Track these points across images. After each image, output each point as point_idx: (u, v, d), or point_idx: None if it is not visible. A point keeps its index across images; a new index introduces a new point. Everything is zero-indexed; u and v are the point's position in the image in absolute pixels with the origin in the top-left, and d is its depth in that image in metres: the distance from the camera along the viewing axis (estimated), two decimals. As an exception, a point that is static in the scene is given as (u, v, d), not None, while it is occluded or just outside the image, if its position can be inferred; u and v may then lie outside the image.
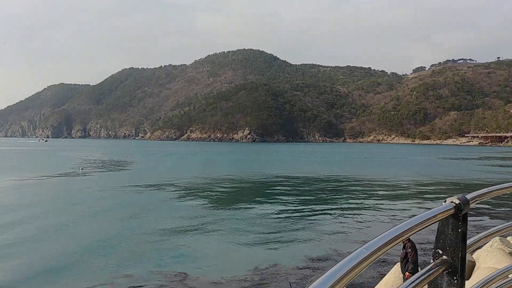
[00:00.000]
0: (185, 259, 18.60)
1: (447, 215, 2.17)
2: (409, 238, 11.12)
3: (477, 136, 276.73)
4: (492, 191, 2.66)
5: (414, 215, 2.02)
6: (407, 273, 10.81)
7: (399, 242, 1.78)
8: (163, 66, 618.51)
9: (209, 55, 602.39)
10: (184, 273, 16.64)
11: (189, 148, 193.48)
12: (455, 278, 2.22)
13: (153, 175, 58.28)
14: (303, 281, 15.54)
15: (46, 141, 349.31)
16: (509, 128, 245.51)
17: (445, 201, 2.24)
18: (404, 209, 32.32)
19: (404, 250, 11.07)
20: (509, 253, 10.89)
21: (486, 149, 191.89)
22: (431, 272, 2.14)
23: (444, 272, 2.23)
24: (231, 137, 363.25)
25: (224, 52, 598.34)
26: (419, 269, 10.84)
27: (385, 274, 13.35)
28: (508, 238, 13.62)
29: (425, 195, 41.28)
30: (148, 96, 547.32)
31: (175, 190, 42.49)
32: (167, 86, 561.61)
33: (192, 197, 37.97)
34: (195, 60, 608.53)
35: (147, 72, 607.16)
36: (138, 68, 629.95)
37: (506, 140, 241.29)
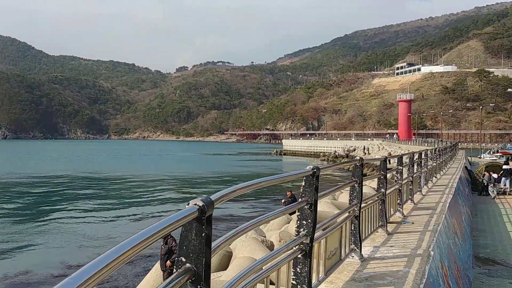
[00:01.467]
0: None
1: (190, 219, 2.01)
2: (170, 234, 11.13)
3: (235, 134, 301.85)
4: (236, 189, 2.58)
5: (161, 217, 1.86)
6: (168, 262, 10.80)
7: (127, 260, 1.50)
8: None
9: None
10: None
11: None
12: (199, 286, 2.07)
13: None
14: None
15: None
16: (262, 126, 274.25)
17: (188, 204, 2.07)
18: (161, 210, 32.89)
19: (167, 246, 11.02)
20: (261, 241, 11.80)
21: (242, 145, 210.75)
22: (173, 283, 1.94)
23: (188, 281, 2.06)
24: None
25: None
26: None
27: (149, 270, 13.15)
28: (261, 226, 14.88)
29: (186, 192, 42.83)
30: None
31: None
32: None
33: None
34: None
35: None
36: None
37: (259, 137, 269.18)
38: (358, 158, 6.06)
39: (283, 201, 19.68)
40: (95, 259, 1.37)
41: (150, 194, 39.31)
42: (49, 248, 20.07)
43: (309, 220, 3.89)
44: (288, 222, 15.11)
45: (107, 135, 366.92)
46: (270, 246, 12.27)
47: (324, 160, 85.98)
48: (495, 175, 24.33)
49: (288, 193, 19.45)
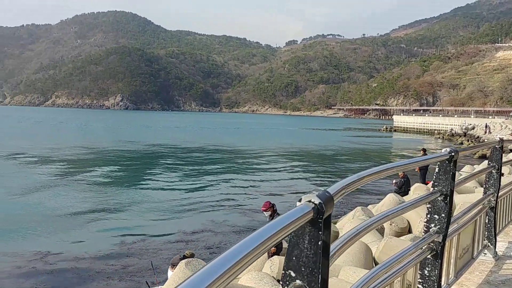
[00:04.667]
0: (48, 235, 16.83)
1: (302, 223, 1.48)
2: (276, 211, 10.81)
3: (343, 109, 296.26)
4: (361, 178, 1.97)
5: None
6: (273, 248, 10.40)
7: (235, 278, 1.13)
8: (25, 25, 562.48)
9: (77, 15, 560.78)
10: (46, 252, 14.98)
11: (62, 115, 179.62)
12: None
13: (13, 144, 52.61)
14: (169, 259, 14.80)
15: None
16: (371, 101, 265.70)
17: (300, 201, 1.54)
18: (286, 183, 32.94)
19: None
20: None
21: (350, 121, 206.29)
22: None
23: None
24: (101, 104, 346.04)
25: (93, 13, 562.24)
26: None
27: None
28: (369, 206, 14.09)
29: (301, 166, 42.62)
30: (8, 58, 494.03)
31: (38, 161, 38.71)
32: (30, 47, 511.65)
33: (67, 170, 34.81)
34: (61, 20, 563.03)
35: (6, 31, 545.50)
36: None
37: (368, 113, 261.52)
38: (497, 139, 5.13)
39: (394, 181, 18.57)
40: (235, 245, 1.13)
41: (271, 167, 39.45)
42: (170, 214, 20.83)
43: (443, 215, 3.20)
44: (399, 203, 14.18)
45: (219, 108, 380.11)
46: (380, 230, 11.51)
47: (439, 138, 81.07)
48: None
49: (400, 174, 18.27)
